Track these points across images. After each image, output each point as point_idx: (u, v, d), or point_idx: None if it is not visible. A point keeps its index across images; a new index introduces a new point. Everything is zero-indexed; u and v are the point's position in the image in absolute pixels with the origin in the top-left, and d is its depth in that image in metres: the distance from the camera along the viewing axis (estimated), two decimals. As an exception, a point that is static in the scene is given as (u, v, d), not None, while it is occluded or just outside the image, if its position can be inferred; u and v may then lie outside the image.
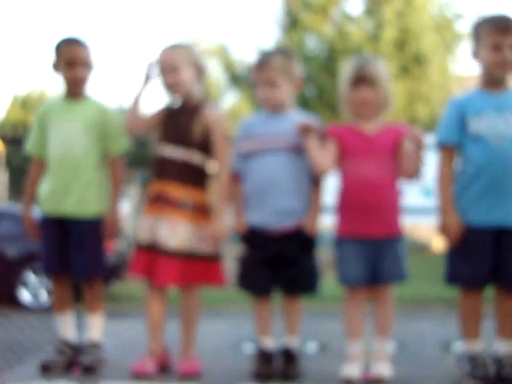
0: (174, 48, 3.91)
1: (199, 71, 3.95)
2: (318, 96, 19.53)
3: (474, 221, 3.63)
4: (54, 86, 33.02)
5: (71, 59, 3.98)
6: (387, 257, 3.69)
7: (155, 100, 4.07)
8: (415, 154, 3.67)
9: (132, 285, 10.48)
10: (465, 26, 21.96)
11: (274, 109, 3.87)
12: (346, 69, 3.80)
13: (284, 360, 3.82)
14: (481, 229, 3.62)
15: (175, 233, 3.78)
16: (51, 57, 4.06)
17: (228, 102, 30.07)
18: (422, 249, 17.02)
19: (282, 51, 3.97)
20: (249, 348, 4.44)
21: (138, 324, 5.45)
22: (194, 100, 3.93)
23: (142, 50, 51.99)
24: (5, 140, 12.90)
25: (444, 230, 3.67)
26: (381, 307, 3.76)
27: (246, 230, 3.83)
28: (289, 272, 3.78)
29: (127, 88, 51.02)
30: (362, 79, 3.72)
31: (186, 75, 3.87)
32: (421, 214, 7.68)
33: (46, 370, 3.90)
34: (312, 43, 22.01)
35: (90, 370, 3.87)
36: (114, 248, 10.56)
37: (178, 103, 3.96)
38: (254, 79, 3.89)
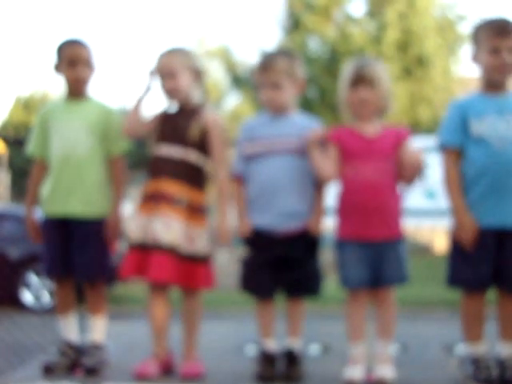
0: (171, 53, 3.92)
1: (197, 75, 3.95)
2: (319, 98, 19.54)
3: (476, 223, 3.63)
4: (57, 87, 33.06)
5: (72, 59, 3.98)
6: (388, 259, 3.69)
7: (155, 104, 4.08)
8: (415, 168, 3.67)
9: (134, 286, 10.47)
10: (467, 28, 21.94)
11: (278, 111, 3.87)
12: (345, 70, 3.81)
13: (287, 362, 3.82)
14: (483, 231, 3.62)
15: (170, 228, 3.76)
16: (53, 58, 4.06)
17: (230, 103, 30.09)
18: (425, 250, 17.02)
19: (285, 53, 3.97)
20: (251, 350, 4.44)
21: (140, 326, 5.45)
22: (191, 104, 3.94)
23: (145, 51, 52.06)
24: (7, 141, 12.89)
25: (459, 231, 3.65)
26: (383, 310, 3.75)
27: (250, 232, 3.82)
28: (292, 274, 3.77)
29: (130, 89, 51.07)
30: (360, 79, 3.72)
31: (184, 80, 3.88)
32: (424, 216, 7.67)
33: (48, 371, 3.89)
34: (314, 45, 22.01)
35: (92, 372, 3.87)
36: (116, 249, 10.56)
37: (175, 107, 3.97)
38: (258, 81, 3.89)
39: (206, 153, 3.89)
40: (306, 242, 3.79)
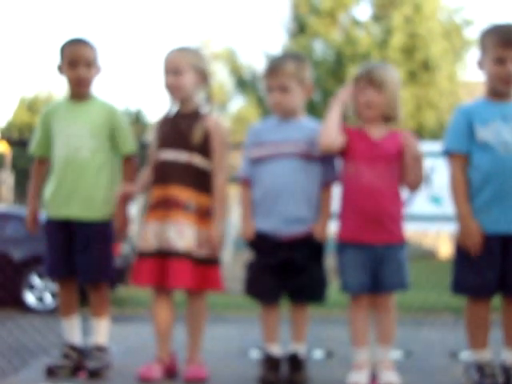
0: (180, 51, 3.90)
1: (203, 77, 3.93)
2: (325, 101, 19.54)
3: (482, 229, 3.60)
4: (61, 88, 33.09)
5: (73, 59, 3.95)
6: (388, 265, 3.67)
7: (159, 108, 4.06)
8: (414, 164, 3.65)
9: (136, 289, 10.44)
10: (474, 33, 21.91)
11: (286, 114, 3.84)
12: (356, 72, 3.80)
13: (290, 366, 3.79)
14: (488, 237, 3.59)
15: (183, 235, 3.75)
16: (57, 59, 4.04)
17: (234, 106, 30.10)
18: (429, 255, 17.00)
19: (294, 56, 3.94)
20: (255, 354, 4.42)
21: (143, 328, 5.44)
22: (193, 105, 3.92)
23: (151, 53, 52.13)
24: (11, 142, 12.88)
25: (465, 237, 3.62)
26: (383, 315, 3.73)
27: (255, 236, 3.81)
28: (297, 280, 3.75)
29: (135, 91, 51.14)
30: (369, 81, 3.71)
31: (188, 79, 3.86)
32: (429, 222, 7.65)
33: (51, 373, 3.88)
34: (319, 48, 22.02)
35: (95, 375, 3.85)
36: (120, 251, 10.54)
37: (175, 108, 3.95)
38: (266, 84, 3.86)
39: (209, 156, 3.88)
40: (310, 247, 3.77)
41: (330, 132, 3.68)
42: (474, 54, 22.41)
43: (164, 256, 3.76)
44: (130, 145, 4.05)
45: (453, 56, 20.90)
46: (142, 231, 3.88)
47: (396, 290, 3.71)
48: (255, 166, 3.84)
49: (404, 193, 3.77)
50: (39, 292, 10.51)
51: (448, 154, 3.72)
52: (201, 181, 3.85)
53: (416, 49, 20.07)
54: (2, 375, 4.52)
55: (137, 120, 32.16)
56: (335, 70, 20.90)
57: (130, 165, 4.07)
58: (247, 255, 3.90)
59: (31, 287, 10.54)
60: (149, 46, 58.44)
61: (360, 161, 3.70)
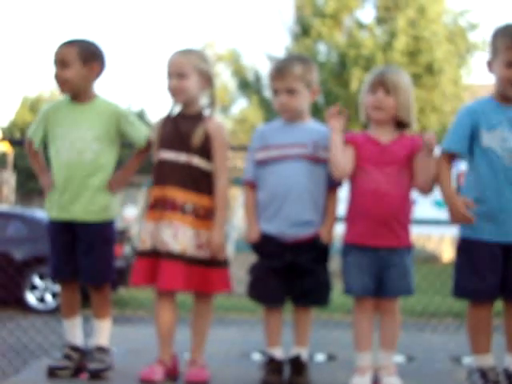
0: (184, 53, 3.87)
1: (207, 81, 3.90)
2: (328, 103, 19.55)
3: (484, 235, 3.58)
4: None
5: (55, 60, 3.94)
6: (395, 269, 3.65)
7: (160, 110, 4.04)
8: (428, 161, 3.62)
9: (138, 290, 10.45)
10: (479, 36, 21.90)
11: (292, 117, 3.82)
12: (368, 76, 3.79)
13: (293, 370, 3.78)
14: (490, 243, 3.57)
15: (176, 237, 3.74)
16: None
17: (237, 107, 30.11)
18: (432, 259, 16.97)
19: (301, 59, 3.92)
20: (258, 357, 4.41)
21: (144, 329, 5.43)
22: (196, 108, 3.90)
23: (155, 53, 52.18)
24: (13, 142, 12.88)
25: (454, 216, 3.58)
26: (387, 320, 3.72)
27: (259, 239, 3.79)
28: (301, 283, 3.73)
29: (138, 91, 51.17)
30: (380, 84, 3.69)
31: (191, 83, 3.83)
32: (432, 226, 7.63)
33: (52, 374, 3.87)
34: (323, 51, 22.03)
35: (96, 376, 3.84)
36: (121, 253, 10.54)
37: (177, 110, 3.93)
38: (273, 87, 3.84)
39: (209, 158, 3.85)
40: (315, 250, 3.75)
41: (338, 164, 3.67)
42: (478, 58, 22.41)
43: (158, 256, 3.75)
44: (141, 134, 4.02)
45: (457, 59, 20.89)
46: (140, 231, 3.89)
47: (401, 295, 3.70)
48: (261, 168, 3.82)
49: (413, 196, 3.74)
50: (40, 292, 10.52)
51: (444, 152, 3.67)
52: (201, 182, 3.83)
53: (420, 52, 20.05)
54: (2, 376, 4.52)
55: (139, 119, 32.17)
56: (339, 72, 20.90)
57: (139, 157, 4.07)
58: (249, 257, 3.89)
59: (32, 287, 10.55)
60: (152, 46, 58.54)
61: (367, 165, 3.68)
